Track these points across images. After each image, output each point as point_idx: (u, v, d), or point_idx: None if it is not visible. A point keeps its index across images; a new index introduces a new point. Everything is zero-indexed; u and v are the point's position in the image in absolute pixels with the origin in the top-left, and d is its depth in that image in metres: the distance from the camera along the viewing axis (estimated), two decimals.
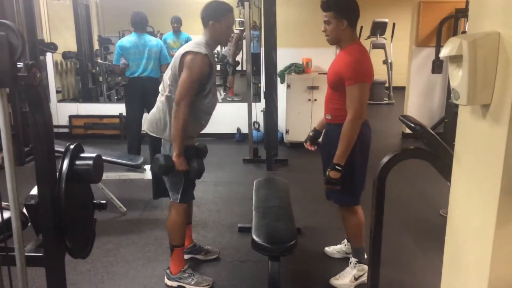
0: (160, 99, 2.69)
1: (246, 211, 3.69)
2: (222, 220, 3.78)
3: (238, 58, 8.16)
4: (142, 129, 4.98)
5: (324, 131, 2.84)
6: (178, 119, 2.52)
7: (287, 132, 5.90)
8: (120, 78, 6.54)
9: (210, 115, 2.79)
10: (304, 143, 3.00)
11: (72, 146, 1.55)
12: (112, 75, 7.34)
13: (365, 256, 2.82)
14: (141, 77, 4.87)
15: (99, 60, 7.26)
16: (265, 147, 5.17)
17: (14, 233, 1.42)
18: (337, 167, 2.51)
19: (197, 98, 2.60)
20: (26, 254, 1.48)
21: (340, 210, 2.85)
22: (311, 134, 2.97)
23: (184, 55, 2.53)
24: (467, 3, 5.63)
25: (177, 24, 6.80)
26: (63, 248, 1.56)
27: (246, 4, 5.21)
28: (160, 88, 2.72)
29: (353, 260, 2.83)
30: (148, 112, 2.92)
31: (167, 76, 2.65)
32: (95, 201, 1.72)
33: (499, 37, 1.18)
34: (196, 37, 2.72)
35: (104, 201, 1.74)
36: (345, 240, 3.14)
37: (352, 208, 2.76)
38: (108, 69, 7.23)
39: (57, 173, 1.51)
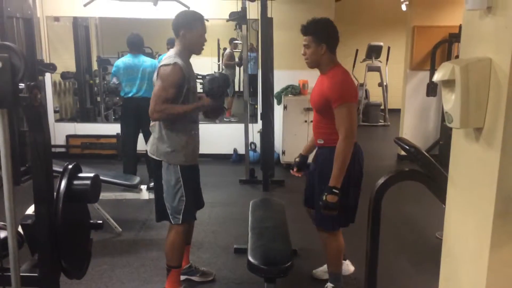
0: (152, 122, 2.72)
1: (242, 232, 3.68)
2: (218, 241, 3.76)
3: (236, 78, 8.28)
4: (138, 149, 5.03)
5: (315, 154, 2.81)
6: (167, 114, 2.56)
7: (283, 153, 5.92)
8: (118, 98, 6.54)
9: (197, 123, 2.79)
10: (291, 170, 2.98)
11: (70, 166, 1.56)
12: (110, 95, 7.37)
13: (342, 283, 2.82)
14: (136, 97, 4.90)
15: (96, 81, 7.29)
16: (261, 168, 5.18)
17: (10, 252, 1.42)
18: (334, 190, 2.47)
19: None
20: (21, 274, 1.47)
21: (324, 235, 2.79)
22: (297, 160, 2.96)
23: (157, 70, 2.59)
24: (460, 28, 5.74)
25: (170, 46, 6.73)
26: (58, 268, 1.55)
27: (244, 27, 5.30)
28: None
29: (329, 285, 2.82)
30: (143, 132, 2.95)
31: None
32: (91, 221, 1.72)
33: (491, 63, 1.22)
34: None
35: (101, 221, 1.74)
36: None
37: (336, 232, 2.75)
38: (106, 89, 7.23)
39: (55, 193, 1.52)
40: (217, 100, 2.73)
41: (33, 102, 1.29)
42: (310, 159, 2.98)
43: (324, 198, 2.48)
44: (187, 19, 2.64)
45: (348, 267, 3.08)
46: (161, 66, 2.58)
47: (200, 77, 8.40)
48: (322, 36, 2.53)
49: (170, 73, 2.53)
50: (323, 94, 2.55)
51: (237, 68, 8.47)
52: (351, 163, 2.54)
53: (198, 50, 2.72)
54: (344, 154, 2.48)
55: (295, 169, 2.97)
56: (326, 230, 2.75)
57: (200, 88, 2.89)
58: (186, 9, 2.76)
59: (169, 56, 2.62)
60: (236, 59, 8.22)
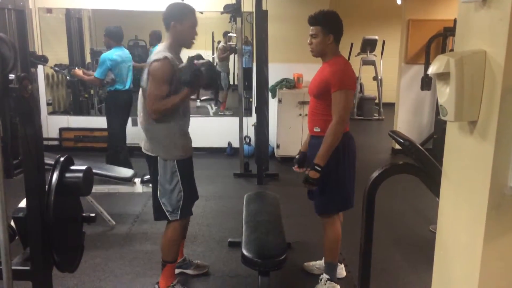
0: (141, 119, 2.68)
1: (236, 225, 3.68)
2: (212, 234, 3.76)
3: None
4: (129, 142, 5.12)
5: (310, 144, 2.85)
6: (166, 110, 2.53)
7: (278, 146, 5.91)
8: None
9: (188, 117, 2.76)
10: (293, 167, 3.00)
11: (62, 158, 1.55)
12: (103, 88, 7.32)
13: (336, 274, 2.86)
14: (129, 89, 4.94)
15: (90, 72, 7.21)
16: (256, 161, 5.17)
17: (1, 246, 1.40)
18: (316, 167, 2.58)
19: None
20: (13, 267, 1.45)
21: (321, 222, 2.85)
22: (298, 157, 2.98)
23: (149, 66, 2.53)
24: (455, 21, 5.74)
25: (152, 39, 6.56)
26: (50, 262, 1.54)
27: (238, 19, 5.26)
28: (140, 107, 2.68)
29: (324, 276, 2.84)
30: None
31: (140, 96, 2.65)
32: (84, 214, 1.71)
33: (485, 55, 1.21)
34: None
35: (93, 214, 1.73)
36: None
37: (332, 218, 2.78)
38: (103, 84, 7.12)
39: (46, 186, 1.50)
40: (196, 84, 2.57)
41: (23, 93, 1.27)
42: None
43: (306, 172, 2.61)
44: (177, 11, 2.60)
45: (341, 271, 3.08)
46: (152, 62, 2.51)
47: None
48: (330, 27, 2.63)
49: (160, 69, 2.49)
50: (323, 79, 2.63)
51: (231, 62, 8.43)
52: (345, 146, 2.66)
53: (188, 44, 2.67)
54: (334, 137, 2.56)
55: (296, 166, 2.97)
56: (326, 215, 2.80)
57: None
58: (178, 1, 2.71)
59: (158, 51, 2.57)
60: (223, 73, 8.10)
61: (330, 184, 2.68)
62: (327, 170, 2.60)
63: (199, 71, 2.52)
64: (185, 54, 2.72)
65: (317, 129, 2.72)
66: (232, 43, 7.65)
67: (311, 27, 2.66)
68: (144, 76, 2.58)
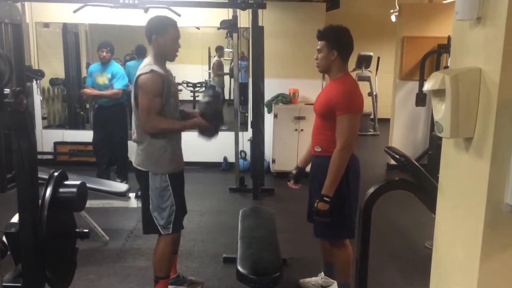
0: (135, 134, 2.69)
1: (231, 241, 3.64)
2: (207, 250, 3.72)
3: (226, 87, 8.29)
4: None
5: (312, 164, 2.79)
6: (161, 128, 2.55)
7: (273, 161, 5.90)
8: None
9: (180, 134, 2.77)
10: (288, 182, 2.94)
11: (56, 173, 1.53)
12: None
13: None
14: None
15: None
16: (251, 176, 5.16)
17: None
18: (325, 198, 2.47)
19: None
20: (4, 284, 1.43)
21: (329, 244, 2.80)
22: (294, 172, 2.91)
23: (137, 79, 2.54)
24: (449, 39, 5.81)
25: (136, 54, 6.53)
26: (42, 278, 1.52)
27: (235, 35, 5.30)
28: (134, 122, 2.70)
29: None
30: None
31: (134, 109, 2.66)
32: (77, 230, 1.69)
33: (481, 73, 1.22)
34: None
35: (87, 230, 1.70)
36: (322, 273, 3.08)
37: (342, 242, 2.72)
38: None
39: (40, 201, 1.49)
40: (212, 123, 2.70)
41: (18, 108, 1.26)
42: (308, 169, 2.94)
43: (315, 205, 2.50)
44: (158, 24, 2.60)
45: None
46: (140, 75, 2.52)
47: (191, 85, 8.41)
48: (335, 43, 2.56)
49: (150, 82, 2.49)
50: (328, 100, 2.56)
51: (226, 77, 8.47)
52: (350, 169, 2.55)
53: (171, 56, 2.67)
54: (340, 164, 2.48)
55: (292, 181, 2.90)
56: (329, 240, 2.75)
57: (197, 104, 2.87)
58: (160, 15, 2.72)
59: (145, 65, 2.57)
60: (226, 69, 8.22)
61: (336, 211, 2.53)
62: (334, 196, 2.50)
63: (220, 112, 2.67)
64: (172, 67, 2.75)
65: (318, 149, 2.65)
66: (228, 58, 7.70)
67: (318, 42, 2.61)
68: (133, 91, 2.59)
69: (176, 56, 2.68)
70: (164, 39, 2.58)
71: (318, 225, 2.65)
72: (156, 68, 2.53)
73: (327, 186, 2.49)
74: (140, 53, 6.48)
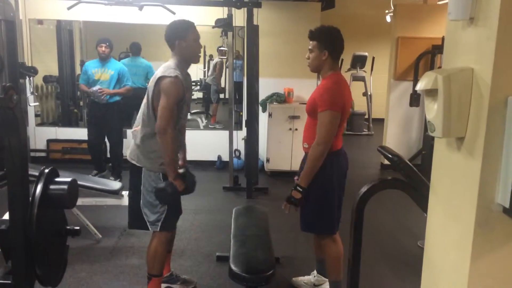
0: (137, 129, 2.67)
1: (225, 239, 3.64)
2: (200, 248, 3.72)
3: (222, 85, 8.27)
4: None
5: (302, 161, 2.82)
6: (168, 145, 2.51)
7: (267, 160, 5.90)
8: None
9: (184, 136, 2.80)
10: (295, 178, 2.94)
11: (47, 170, 1.52)
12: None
13: None
14: None
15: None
16: (245, 175, 5.15)
17: None
18: (299, 188, 2.58)
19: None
20: None
21: (319, 240, 2.83)
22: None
23: (158, 80, 2.52)
24: (443, 39, 5.83)
25: (132, 52, 6.46)
26: (32, 276, 1.50)
27: (230, 34, 5.29)
28: (138, 118, 2.70)
29: None
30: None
31: (142, 107, 2.64)
32: (68, 227, 1.67)
33: (473, 73, 1.22)
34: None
35: (78, 227, 1.69)
36: (315, 271, 3.09)
37: (332, 237, 2.75)
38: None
39: (30, 198, 1.47)
40: (187, 189, 2.71)
41: (8, 104, 1.25)
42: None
43: (290, 192, 2.61)
44: (179, 28, 2.61)
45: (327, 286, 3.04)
46: (162, 77, 2.51)
47: (193, 84, 8.39)
48: (326, 43, 2.61)
49: (174, 88, 2.49)
50: (314, 98, 2.63)
51: (222, 75, 8.45)
52: (333, 165, 2.62)
53: (196, 58, 2.69)
54: (314, 159, 2.56)
55: (297, 178, 2.93)
56: (317, 235, 2.80)
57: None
58: (178, 19, 2.72)
59: (169, 67, 2.56)
60: (214, 87, 8.15)
61: (320, 204, 2.64)
62: (315, 189, 2.59)
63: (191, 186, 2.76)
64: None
65: (305, 145, 2.73)
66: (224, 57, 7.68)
67: (310, 42, 2.66)
68: (150, 90, 2.56)
69: (199, 57, 2.72)
70: (186, 42, 2.60)
71: (302, 219, 2.74)
72: (179, 74, 2.54)
73: (302, 177, 2.60)
74: (134, 51, 6.46)
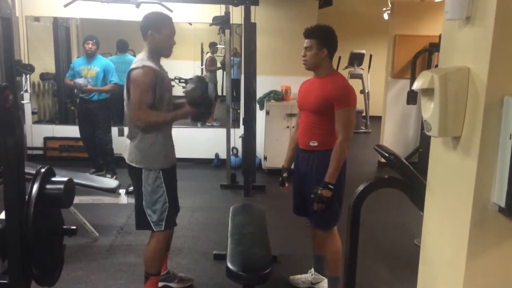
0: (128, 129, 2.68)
1: (222, 237, 3.64)
2: (198, 246, 3.72)
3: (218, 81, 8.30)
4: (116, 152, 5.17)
5: (302, 158, 2.80)
6: (151, 122, 2.53)
7: (265, 158, 5.91)
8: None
9: (171, 128, 2.78)
10: (281, 187, 2.97)
11: (43, 170, 1.51)
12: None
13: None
14: None
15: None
16: (243, 173, 5.16)
17: None
18: (329, 186, 2.58)
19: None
20: None
21: (321, 234, 2.83)
22: (285, 175, 2.95)
23: (129, 74, 2.53)
24: (440, 37, 5.84)
25: (118, 48, 6.45)
26: (29, 275, 1.50)
27: (227, 31, 5.28)
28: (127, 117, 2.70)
29: None
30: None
31: (126, 106, 2.64)
32: (64, 227, 1.67)
33: (469, 72, 1.22)
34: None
35: (74, 227, 1.69)
36: (312, 270, 3.10)
37: (333, 231, 2.78)
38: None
39: (26, 197, 1.47)
40: (201, 108, 2.70)
41: (3, 104, 1.24)
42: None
43: (319, 192, 2.58)
44: (154, 20, 2.60)
45: (325, 285, 3.04)
46: (132, 70, 2.52)
47: (183, 81, 8.37)
48: (325, 41, 2.65)
49: (143, 77, 2.49)
50: (325, 96, 2.62)
51: (219, 72, 8.45)
52: (345, 165, 2.72)
53: (167, 52, 2.66)
54: (343, 154, 2.62)
55: (287, 185, 2.95)
56: (326, 229, 2.79)
57: (183, 93, 2.84)
58: (156, 11, 2.72)
59: (138, 59, 2.58)
60: (218, 64, 8.24)
61: (337, 198, 2.68)
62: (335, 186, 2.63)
63: (206, 95, 2.65)
64: (164, 63, 2.74)
65: (313, 143, 2.71)
66: (221, 55, 7.68)
67: (306, 40, 2.67)
68: (125, 85, 2.58)
69: (171, 52, 2.68)
70: (160, 35, 2.58)
71: (320, 215, 2.71)
72: (148, 63, 2.52)
73: (331, 174, 2.60)
74: (121, 47, 6.45)
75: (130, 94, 2.55)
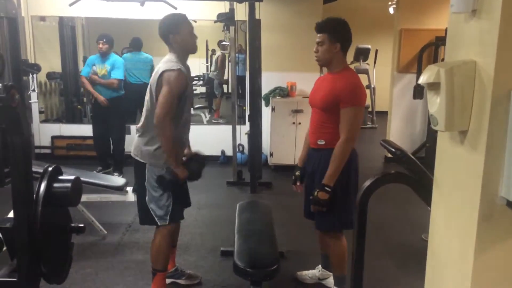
0: (140, 123, 2.68)
1: (229, 234, 3.65)
2: (205, 243, 3.73)
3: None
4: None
5: (311, 157, 2.74)
6: (165, 135, 2.52)
7: (271, 155, 5.90)
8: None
9: (189, 130, 2.80)
10: (293, 186, 2.89)
11: (50, 168, 1.52)
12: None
13: (347, 285, 2.77)
14: None
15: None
16: (249, 169, 5.16)
17: None
18: (326, 188, 2.48)
19: (176, 113, 2.58)
20: None
21: (325, 236, 2.80)
22: (298, 174, 2.85)
23: (161, 75, 2.53)
24: (446, 31, 5.79)
25: (132, 47, 6.47)
26: (38, 273, 1.51)
27: (232, 28, 5.28)
28: (143, 114, 2.70)
29: None
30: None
31: (146, 103, 2.65)
32: (72, 225, 1.68)
33: (476, 65, 1.21)
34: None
35: (82, 225, 1.70)
36: (319, 266, 3.09)
37: (337, 234, 2.73)
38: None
39: (34, 196, 1.48)
40: (193, 178, 2.80)
41: (10, 103, 1.25)
42: None
43: (315, 194, 2.50)
44: (170, 23, 2.61)
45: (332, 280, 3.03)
46: (165, 71, 2.51)
47: (196, 79, 8.39)
48: (338, 35, 2.54)
49: (177, 80, 2.50)
50: (333, 92, 2.52)
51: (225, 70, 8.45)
52: (351, 163, 2.57)
53: (193, 49, 2.68)
54: (343, 156, 2.49)
55: (298, 183, 2.86)
56: (328, 232, 2.74)
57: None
58: (168, 14, 2.72)
59: (170, 61, 2.57)
60: (217, 81, 8.20)
61: (338, 202, 2.55)
62: (334, 187, 2.51)
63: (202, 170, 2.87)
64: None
65: (321, 142, 2.62)
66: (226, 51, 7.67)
67: (318, 35, 2.56)
68: (153, 86, 2.56)
69: (196, 48, 2.71)
70: (181, 35, 2.60)
71: (320, 218, 2.65)
72: (182, 67, 2.54)
73: (329, 176, 2.50)
74: (135, 46, 6.47)
75: (153, 94, 2.56)
